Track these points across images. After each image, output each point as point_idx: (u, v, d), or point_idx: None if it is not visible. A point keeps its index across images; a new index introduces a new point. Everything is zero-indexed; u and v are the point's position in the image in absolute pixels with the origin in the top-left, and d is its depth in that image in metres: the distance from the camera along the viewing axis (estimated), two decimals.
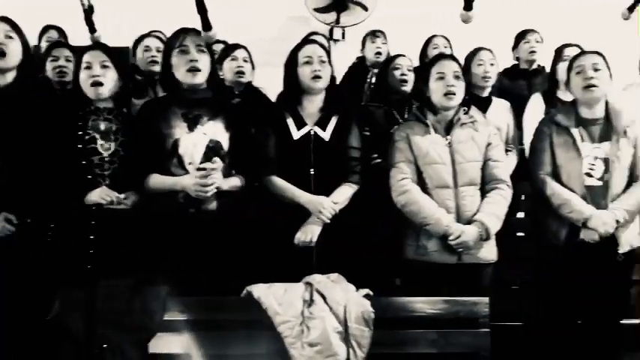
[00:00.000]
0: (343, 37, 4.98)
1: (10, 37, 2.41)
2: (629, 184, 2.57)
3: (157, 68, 3.19)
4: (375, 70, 3.81)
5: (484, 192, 2.52)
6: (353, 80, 3.85)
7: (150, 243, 2.32)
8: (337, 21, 4.81)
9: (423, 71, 2.72)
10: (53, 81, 3.06)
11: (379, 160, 2.78)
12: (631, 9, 3.05)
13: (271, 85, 3.52)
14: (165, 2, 4.22)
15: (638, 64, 3.36)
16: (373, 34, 3.93)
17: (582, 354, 2.51)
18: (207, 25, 2.34)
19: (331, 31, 4.92)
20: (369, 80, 3.85)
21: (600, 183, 2.54)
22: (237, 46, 3.25)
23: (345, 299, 2.11)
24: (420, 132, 2.53)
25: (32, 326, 2.09)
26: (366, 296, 2.20)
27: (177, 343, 2.11)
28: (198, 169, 2.28)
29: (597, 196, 2.53)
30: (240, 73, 3.19)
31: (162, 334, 2.11)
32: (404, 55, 3.04)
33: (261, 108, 2.85)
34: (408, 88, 3.00)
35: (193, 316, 2.14)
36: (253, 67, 3.32)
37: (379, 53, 3.85)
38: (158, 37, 3.25)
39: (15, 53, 2.42)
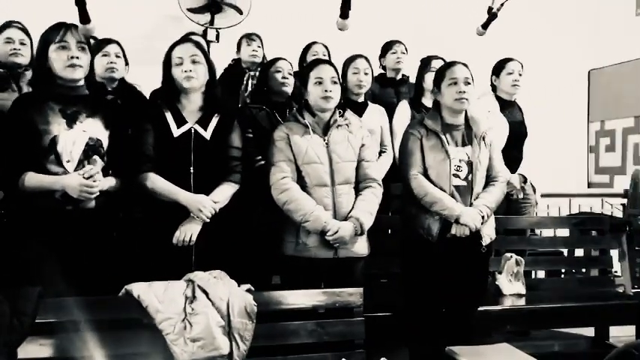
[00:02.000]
0: (217, 39, 4.96)
1: None
2: (486, 184, 2.85)
3: (21, 60, 3.02)
4: (252, 73, 3.88)
5: (358, 190, 2.68)
6: (229, 82, 3.87)
7: (21, 241, 2.19)
8: (211, 22, 4.78)
9: (301, 75, 2.83)
10: None
11: (263, 162, 2.83)
12: (484, 26, 3.38)
13: (146, 83, 3.48)
14: None
15: (490, 76, 3.75)
16: (249, 37, 3.97)
17: (445, 339, 2.72)
18: (85, 18, 2.26)
19: (205, 32, 4.90)
20: (245, 82, 3.90)
21: (465, 183, 2.78)
22: (109, 41, 3.15)
23: (227, 294, 2.14)
24: (299, 132, 2.63)
25: None
26: (248, 291, 2.24)
27: (49, 347, 2.02)
28: (83, 173, 2.21)
29: (463, 195, 2.77)
30: (112, 69, 3.09)
31: (34, 337, 2.00)
32: (285, 59, 3.12)
33: (140, 105, 2.79)
34: (288, 90, 3.09)
35: (70, 317, 2.05)
36: (127, 63, 3.24)
37: (255, 56, 3.91)
38: (21, 29, 3.05)
39: None
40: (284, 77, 3.11)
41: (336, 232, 2.54)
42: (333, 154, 2.63)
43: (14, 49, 2.96)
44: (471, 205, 2.76)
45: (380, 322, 2.80)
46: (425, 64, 3.56)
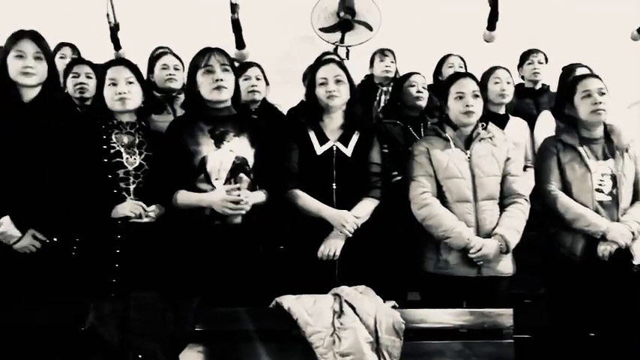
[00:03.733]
0: (347, 56, 5.04)
1: (39, 58, 2.41)
2: (634, 199, 2.67)
3: (175, 85, 3.25)
4: (385, 88, 3.91)
5: (502, 206, 2.59)
6: (361, 98, 3.91)
7: (176, 255, 2.35)
8: (342, 40, 4.88)
9: (440, 89, 2.80)
10: (73, 97, 3.09)
11: (399, 178, 2.83)
12: None
13: (282, 102, 3.62)
14: (167, 20, 4.31)
15: None
16: (382, 52, 4.01)
17: None
18: (240, 44, 2.40)
19: (336, 50, 5.00)
20: (378, 98, 3.94)
21: (610, 198, 2.62)
22: (250, 64, 3.31)
23: (374, 310, 2.15)
24: (439, 146, 2.60)
25: (67, 338, 2.09)
26: (393, 308, 2.24)
27: (208, 354, 2.14)
28: (228, 190, 2.32)
29: (608, 210, 2.62)
30: (254, 91, 3.25)
31: (194, 345, 2.13)
32: (419, 73, 3.12)
33: (282, 124, 2.90)
34: (423, 104, 3.08)
35: (223, 327, 2.17)
36: (267, 84, 3.38)
37: (388, 71, 3.93)
38: (175, 55, 3.30)
39: (41, 72, 2.42)
40: (418, 91, 3.09)
41: (480, 249, 2.47)
42: (475, 169, 2.56)
43: (170, 74, 3.20)
44: (617, 221, 2.58)
45: (529, 345, 2.67)
46: (567, 72, 3.38)
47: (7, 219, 2.30)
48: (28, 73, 2.38)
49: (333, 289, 2.29)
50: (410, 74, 3.13)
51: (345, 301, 2.18)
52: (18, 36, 2.41)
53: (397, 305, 2.28)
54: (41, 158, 2.35)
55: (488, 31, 2.60)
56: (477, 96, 2.61)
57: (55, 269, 2.35)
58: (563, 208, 2.63)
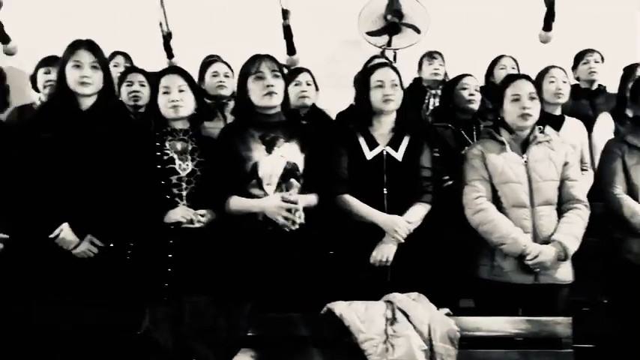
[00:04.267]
0: (395, 59, 5.01)
1: (95, 67, 2.47)
2: None
3: (225, 92, 3.28)
4: (433, 91, 3.86)
5: (561, 212, 2.50)
6: (410, 101, 3.87)
7: (228, 261, 2.36)
8: (389, 43, 4.84)
9: (494, 91, 2.74)
10: (127, 105, 3.16)
11: (451, 182, 2.78)
12: None
13: (328, 106, 3.61)
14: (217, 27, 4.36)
15: None
16: (430, 55, 3.97)
17: None
18: (291, 50, 2.41)
19: (382, 54, 4.96)
20: (426, 101, 3.88)
21: None
22: (300, 70, 3.31)
23: (428, 318, 2.12)
24: (494, 150, 2.54)
25: (123, 341, 2.14)
26: (447, 315, 2.19)
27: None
28: (285, 199, 2.34)
29: None
30: (305, 97, 3.25)
31: (246, 350, 2.14)
32: (471, 75, 3.06)
33: (331, 129, 2.89)
34: (475, 107, 3.02)
35: (275, 333, 2.17)
36: (317, 89, 3.38)
37: (437, 74, 3.88)
38: (225, 63, 3.34)
39: (97, 82, 2.49)
40: (471, 94, 3.04)
41: (537, 256, 2.39)
42: (532, 173, 2.49)
43: (220, 81, 3.24)
44: None
45: (589, 355, 2.58)
46: (629, 72, 3.26)
47: (66, 225, 2.36)
48: (85, 82, 2.44)
49: (385, 295, 2.26)
50: (462, 76, 3.07)
51: (398, 308, 2.15)
52: (75, 46, 2.49)
53: (451, 313, 2.24)
54: (98, 165, 2.40)
55: (544, 32, 2.53)
56: (533, 98, 2.53)
57: (111, 274, 2.39)
58: (630, 212, 2.55)
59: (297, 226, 2.35)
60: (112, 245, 2.43)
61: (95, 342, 2.17)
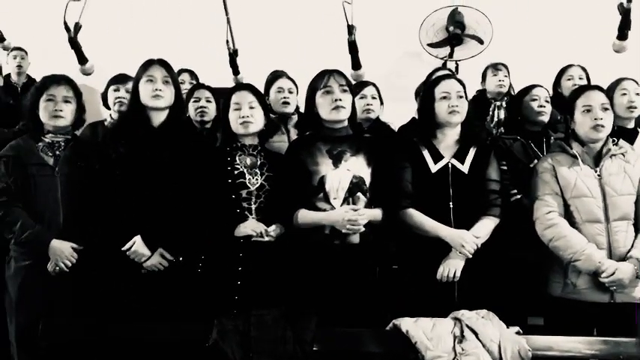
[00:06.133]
0: (457, 71, 4.95)
1: (167, 82, 2.58)
2: None
3: (289, 108, 3.31)
4: (498, 103, 3.78)
5: (638, 228, 2.41)
6: (474, 113, 3.81)
7: (296, 274, 2.38)
8: (451, 55, 4.79)
9: (565, 102, 2.66)
10: (194, 120, 3.25)
11: (519, 196, 2.71)
12: None
13: (389, 119, 3.60)
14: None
15: None
16: (495, 66, 3.90)
17: None
18: (357, 65, 2.42)
19: (444, 66, 4.91)
20: (491, 113, 3.81)
21: None
22: (366, 83, 3.32)
23: (498, 336, 2.06)
24: (566, 163, 2.46)
25: (192, 353, 2.18)
26: (517, 334, 2.13)
27: None
28: (348, 211, 2.34)
29: None
30: (369, 110, 3.25)
31: None
32: (541, 86, 2.98)
33: (395, 142, 2.87)
34: (545, 119, 2.94)
35: (341, 348, 2.16)
36: (382, 103, 3.37)
37: (502, 86, 3.80)
38: (290, 78, 3.38)
39: (169, 96, 2.59)
40: (540, 105, 2.96)
41: (613, 273, 2.30)
42: (606, 187, 2.40)
43: (284, 97, 3.28)
44: None
45: None
46: None
47: (138, 238, 2.44)
48: (157, 95, 2.54)
49: (452, 312, 2.22)
50: (531, 87, 2.99)
51: (467, 325, 2.10)
52: (148, 64, 2.60)
53: (521, 331, 2.17)
54: (170, 180, 2.47)
55: (618, 41, 2.44)
56: (606, 109, 2.45)
57: (181, 287, 2.45)
58: None
59: (358, 237, 2.35)
60: (181, 259, 2.48)
61: (165, 354, 2.21)
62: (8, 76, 4.32)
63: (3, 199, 2.46)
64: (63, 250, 2.45)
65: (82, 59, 3.42)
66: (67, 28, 3.28)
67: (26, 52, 4.28)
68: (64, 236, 2.48)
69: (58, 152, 2.55)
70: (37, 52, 4.34)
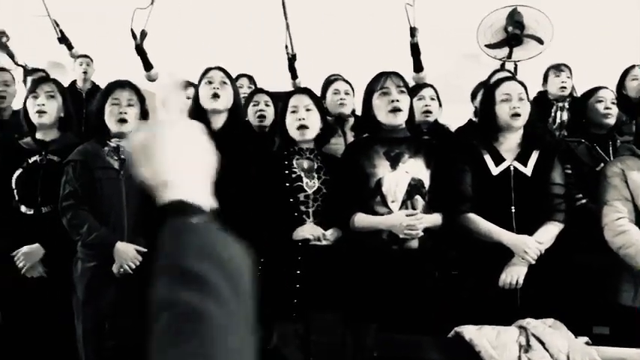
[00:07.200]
0: (515, 72, 4.84)
1: (225, 83, 2.64)
2: None
3: (345, 110, 3.31)
4: (560, 104, 3.67)
5: None
6: (537, 116, 3.71)
7: (354, 278, 2.36)
8: (509, 56, 4.68)
9: (627, 104, 2.56)
10: (253, 124, 3.28)
11: (584, 201, 2.62)
12: None
13: (446, 121, 3.54)
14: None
15: None
16: (557, 67, 3.78)
17: None
18: (418, 67, 2.39)
19: (502, 67, 4.81)
20: (553, 115, 3.70)
21: None
22: (425, 85, 3.28)
23: (567, 347, 1.98)
24: (636, 167, 2.37)
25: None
26: (586, 344, 2.05)
27: None
28: (408, 214, 2.31)
29: None
30: (428, 112, 3.21)
31: None
32: (606, 87, 2.87)
33: (454, 144, 2.82)
34: (611, 121, 2.83)
35: (402, 354, 2.13)
36: (440, 105, 3.33)
37: (564, 87, 3.69)
38: (346, 81, 3.38)
39: (227, 97, 2.63)
40: (607, 107, 2.85)
41: None
42: None
43: (341, 99, 3.28)
44: None
45: None
46: None
47: None
48: (216, 94, 2.58)
49: (517, 320, 2.15)
50: (597, 89, 2.89)
51: (533, 334, 2.03)
52: (208, 69, 2.65)
53: (590, 342, 2.09)
54: (229, 183, 2.50)
55: None
56: None
57: None
58: None
59: (416, 242, 2.32)
60: None
61: None
62: (74, 82, 4.47)
63: (70, 202, 2.54)
64: (127, 253, 2.51)
65: (148, 66, 3.51)
66: (134, 36, 3.38)
67: (91, 59, 4.42)
68: (128, 238, 2.54)
69: (122, 156, 2.62)
70: (101, 60, 4.48)
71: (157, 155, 0.77)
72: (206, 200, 0.74)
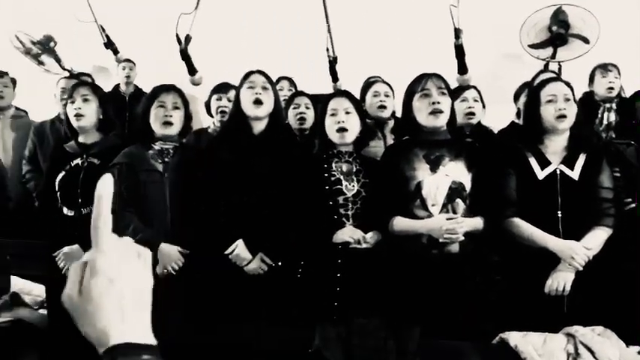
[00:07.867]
0: (560, 72, 4.72)
1: (266, 88, 2.64)
2: None
3: (385, 112, 3.28)
4: (607, 105, 3.58)
5: None
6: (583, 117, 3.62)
7: (394, 282, 2.34)
8: (553, 56, 4.57)
9: None
10: (293, 127, 3.29)
11: (633, 205, 2.54)
12: None
13: (489, 123, 3.48)
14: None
15: None
16: (604, 67, 3.68)
17: None
18: (463, 69, 2.36)
19: (546, 67, 4.70)
20: (600, 116, 3.61)
21: None
22: (467, 86, 3.23)
23: (617, 356, 1.93)
24: None
25: (294, 358, 2.20)
26: (638, 354, 1.99)
27: None
28: (449, 217, 2.28)
29: None
30: (471, 114, 3.17)
31: None
32: None
33: (497, 147, 2.77)
34: None
35: None
36: (484, 106, 3.27)
37: (612, 88, 3.59)
38: (386, 83, 3.36)
39: (269, 102, 2.64)
40: None
41: None
42: None
43: (381, 101, 3.26)
44: None
45: None
46: None
47: (241, 242, 2.50)
48: (258, 100, 2.59)
49: (564, 328, 2.10)
50: None
51: (581, 342, 1.98)
52: (249, 72, 2.66)
53: None
54: (270, 186, 2.51)
55: None
56: None
57: (281, 292, 2.47)
58: None
59: (457, 246, 2.28)
60: (280, 264, 2.52)
61: (269, 358, 2.24)
62: (117, 86, 4.58)
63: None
64: (170, 254, 2.54)
65: (192, 70, 3.56)
66: (179, 40, 3.43)
67: (134, 64, 4.52)
68: (172, 240, 2.57)
69: (166, 159, 2.65)
70: (144, 64, 4.58)
71: (90, 310, 0.73)
72: (150, 335, 0.73)
